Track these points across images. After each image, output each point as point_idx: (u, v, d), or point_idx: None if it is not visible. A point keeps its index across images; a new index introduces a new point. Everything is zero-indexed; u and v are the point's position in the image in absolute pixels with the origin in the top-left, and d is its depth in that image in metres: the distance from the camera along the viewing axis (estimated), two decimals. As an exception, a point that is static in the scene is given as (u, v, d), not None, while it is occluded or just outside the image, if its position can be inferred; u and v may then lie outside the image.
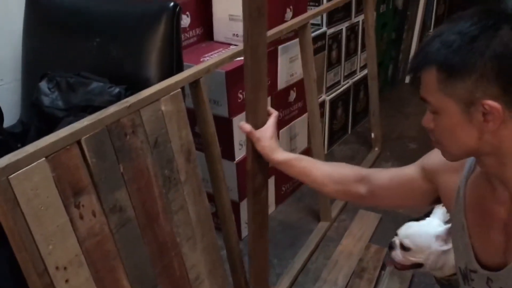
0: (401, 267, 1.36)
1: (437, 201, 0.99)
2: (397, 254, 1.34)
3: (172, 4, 1.33)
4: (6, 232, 0.82)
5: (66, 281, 0.89)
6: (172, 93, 1.11)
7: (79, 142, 0.91)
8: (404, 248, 1.31)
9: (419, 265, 1.31)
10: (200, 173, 1.25)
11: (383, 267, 1.76)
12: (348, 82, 2.63)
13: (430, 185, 0.96)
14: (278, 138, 1.99)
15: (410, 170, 1.01)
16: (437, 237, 1.25)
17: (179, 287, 1.18)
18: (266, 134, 1.16)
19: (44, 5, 1.49)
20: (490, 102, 0.71)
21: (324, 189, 1.16)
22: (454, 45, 0.72)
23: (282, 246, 1.92)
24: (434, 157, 0.95)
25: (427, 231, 1.28)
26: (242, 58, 1.72)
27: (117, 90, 1.18)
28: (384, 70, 3.20)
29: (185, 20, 1.84)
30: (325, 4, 2.08)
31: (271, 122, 1.19)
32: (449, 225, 1.22)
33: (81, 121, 0.93)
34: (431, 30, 3.55)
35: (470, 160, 0.88)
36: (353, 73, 2.68)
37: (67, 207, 0.89)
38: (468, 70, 0.71)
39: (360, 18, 2.54)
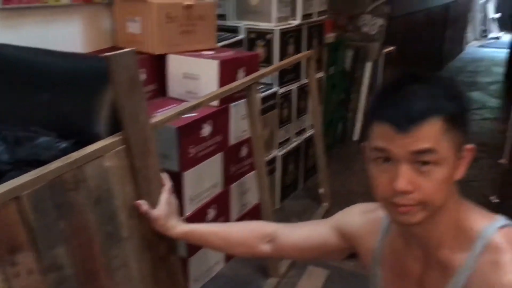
0: None
1: (352, 255, 1.03)
2: None
3: (124, 61, 1.36)
4: None
5: None
6: (117, 149, 1.13)
7: (18, 198, 0.90)
8: None
9: None
10: (147, 228, 1.25)
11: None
12: (298, 139, 2.71)
13: (347, 244, 1.01)
14: (229, 195, 2.03)
15: (325, 230, 1.04)
16: None
17: None
18: (162, 213, 1.18)
19: (-5, 59, 1.50)
20: (469, 146, 0.80)
21: (231, 253, 1.19)
22: (457, 96, 0.79)
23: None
24: (351, 220, 1.00)
25: None
26: (194, 114, 1.79)
27: (64, 145, 1.18)
28: (334, 128, 3.33)
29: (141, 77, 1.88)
30: (270, 67, 2.17)
31: (164, 199, 1.20)
32: None
33: (21, 176, 0.93)
34: (379, 91, 3.75)
35: (385, 221, 0.94)
36: (303, 130, 2.77)
37: (2, 265, 0.87)
38: (463, 118, 0.79)
39: (310, 79, 2.67)
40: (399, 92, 0.79)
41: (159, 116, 1.36)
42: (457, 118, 0.78)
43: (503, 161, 2.71)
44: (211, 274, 2.03)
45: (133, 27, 1.91)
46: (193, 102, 1.45)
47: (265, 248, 1.12)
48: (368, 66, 3.58)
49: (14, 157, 1.23)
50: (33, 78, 1.40)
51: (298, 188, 2.82)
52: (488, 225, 0.82)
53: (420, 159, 0.75)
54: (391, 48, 3.79)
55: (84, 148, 1.06)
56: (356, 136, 3.63)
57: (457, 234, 0.83)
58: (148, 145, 1.21)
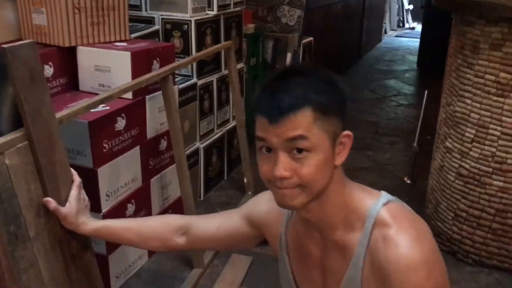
0: None
1: (265, 242, 1.07)
2: None
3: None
4: None
5: None
6: (18, 146, 1.08)
7: None
8: None
9: None
10: (57, 226, 1.21)
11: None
12: (221, 131, 2.73)
13: (256, 231, 1.05)
14: (149, 189, 2.00)
15: (235, 219, 1.08)
16: None
17: None
18: (71, 210, 1.15)
19: None
20: (347, 132, 0.85)
21: (146, 248, 1.19)
22: (328, 87, 0.84)
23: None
24: (259, 208, 1.04)
25: None
26: (107, 107, 1.74)
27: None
28: (257, 118, 3.38)
29: (48, 70, 1.80)
30: (186, 58, 2.16)
31: (73, 196, 1.17)
32: None
33: None
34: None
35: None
36: (226, 121, 2.79)
37: None
38: (337, 108, 0.84)
39: (230, 69, 2.68)
40: (276, 86, 0.84)
41: (66, 110, 1.31)
42: (329, 108, 0.83)
43: (414, 145, 2.89)
44: (134, 270, 2.00)
45: (39, 19, 1.82)
46: (102, 95, 1.42)
47: (179, 240, 1.13)
48: (289, 57, 3.65)
49: None
50: None
51: (223, 179, 2.84)
52: (373, 203, 0.87)
53: (295, 147, 0.81)
54: (310, 38, 3.89)
55: (-19, 146, 1.01)
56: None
57: (347, 216, 0.88)
58: (53, 141, 1.17)
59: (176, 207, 2.21)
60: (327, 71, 0.88)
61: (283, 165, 0.81)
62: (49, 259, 1.18)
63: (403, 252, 0.82)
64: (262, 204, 1.04)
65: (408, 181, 2.87)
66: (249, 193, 2.61)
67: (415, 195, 2.62)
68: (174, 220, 1.17)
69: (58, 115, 1.25)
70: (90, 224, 1.17)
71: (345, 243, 0.89)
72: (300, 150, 0.81)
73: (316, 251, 0.94)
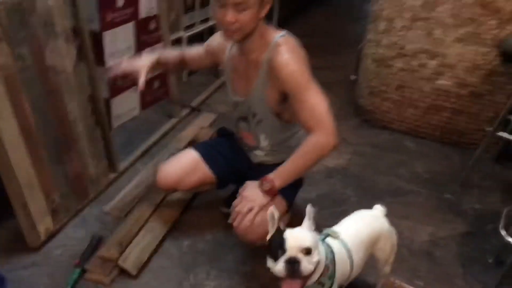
0: (305, 281, 1.24)
1: (215, 64, 1.80)
2: (305, 265, 1.18)
3: None
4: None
5: (-10, 90, 1.52)
6: (55, -7, 1.76)
7: (-3, 10, 1.53)
8: (307, 252, 1.19)
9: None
10: (76, 56, 1.91)
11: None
12: (203, 26, 3.37)
13: (214, 58, 1.79)
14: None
15: (202, 51, 1.83)
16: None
17: (62, 121, 1.85)
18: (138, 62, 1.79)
19: None
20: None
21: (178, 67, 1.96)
22: None
23: (140, 132, 2.63)
24: (213, 43, 1.78)
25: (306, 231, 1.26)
26: (111, -10, 2.39)
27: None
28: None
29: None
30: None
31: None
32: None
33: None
34: (277, -5, 4.42)
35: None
36: (208, 19, 3.43)
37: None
38: None
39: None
40: None
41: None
42: None
43: (358, 47, 3.53)
44: (129, 116, 2.74)
45: None
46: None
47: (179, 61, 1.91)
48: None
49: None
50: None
51: (204, 67, 3.52)
52: (276, 35, 1.57)
53: (239, 7, 1.44)
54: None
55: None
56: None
57: (261, 44, 1.58)
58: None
59: (162, 78, 2.91)
60: None
61: (231, 15, 1.44)
62: (75, 70, 1.89)
63: (284, 56, 1.52)
64: (216, 37, 1.76)
65: (353, 77, 3.54)
66: (221, 78, 3.31)
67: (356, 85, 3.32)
68: (181, 53, 1.92)
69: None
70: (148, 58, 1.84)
71: (258, 60, 1.59)
72: (240, 9, 1.44)
73: (243, 67, 1.66)
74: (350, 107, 3.08)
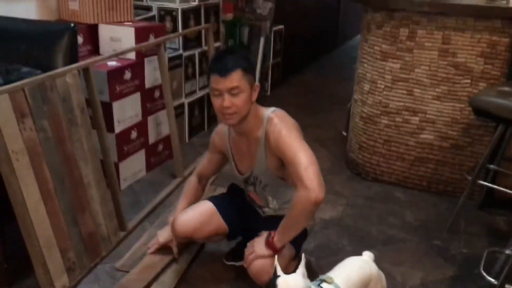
0: None
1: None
2: None
3: (72, 25, 2.22)
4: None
5: (17, 159, 1.72)
6: (72, 72, 1.99)
7: (23, 89, 1.76)
8: None
9: None
10: (90, 125, 2.12)
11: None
12: (203, 92, 3.64)
13: (221, 153, 2.01)
14: (147, 123, 2.91)
15: (212, 154, 2.06)
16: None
17: (78, 185, 2.03)
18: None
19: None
20: (257, 83, 1.74)
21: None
22: (247, 60, 1.73)
23: (147, 192, 2.80)
24: (215, 143, 2.01)
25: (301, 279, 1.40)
26: (119, 64, 2.65)
27: (39, 71, 2.03)
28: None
29: (79, 39, 2.72)
30: (174, 34, 3.08)
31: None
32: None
33: (25, 80, 1.78)
34: (270, 60, 4.74)
35: (226, 129, 1.92)
36: (207, 86, 3.69)
37: (17, 121, 1.72)
38: (253, 72, 1.73)
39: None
40: (221, 58, 1.72)
41: (92, 59, 2.23)
42: (248, 70, 1.72)
43: (348, 105, 3.78)
44: (136, 178, 2.93)
45: (73, 5, 2.74)
46: (116, 53, 2.33)
47: (203, 183, 2.17)
48: (262, 40, 4.54)
49: (6, 81, 2.06)
50: (14, 35, 2.23)
51: (204, 130, 3.75)
52: (267, 112, 1.80)
53: (233, 91, 1.67)
54: (281, 26, 4.79)
55: (55, 70, 1.92)
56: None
57: (256, 122, 1.80)
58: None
59: (166, 141, 3.13)
60: (245, 51, 1.80)
61: (227, 101, 1.67)
62: (87, 139, 2.09)
63: (277, 126, 1.74)
64: (214, 138, 2.02)
65: (345, 133, 3.76)
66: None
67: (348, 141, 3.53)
68: (195, 183, 2.15)
69: (90, 60, 2.17)
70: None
71: (256, 136, 1.81)
72: (235, 93, 1.67)
73: (244, 146, 1.87)
74: (342, 161, 3.27)
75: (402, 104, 2.78)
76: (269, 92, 4.82)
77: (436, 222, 2.54)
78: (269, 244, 1.74)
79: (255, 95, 1.76)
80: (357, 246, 2.29)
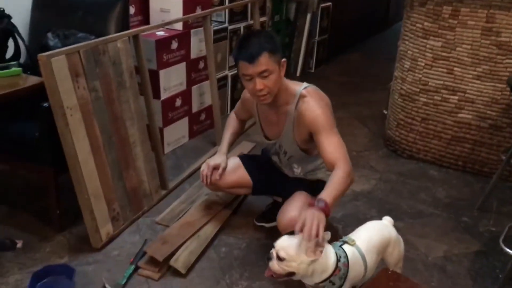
0: (277, 276, 1.52)
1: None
2: (274, 264, 1.49)
3: (124, -4, 2.39)
4: (47, 88, 1.82)
5: (71, 115, 1.90)
6: (123, 39, 2.15)
7: (79, 52, 1.93)
8: (279, 258, 1.47)
9: (292, 274, 1.50)
10: (137, 89, 2.28)
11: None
12: (246, 65, 3.74)
13: (249, 112, 2.12)
14: (190, 92, 3.06)
15: (241, 105, 2.17)
16: (307, 248, 1.47)
17: (124, 143, 2.20)
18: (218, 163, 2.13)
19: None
20: (284, 59, 1.81)
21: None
22: (271, 40, 1.78)
23: (188, 157, 2.97)
24: (244, 96, 2.10)
25: (298, 243, 1.48)
26: (167, 34, 2.80)
27: (93, 36, 2.20)
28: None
29: (131, 10, 2.88)
30: (221, 6, 3.19)
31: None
32: (316, 239, 1.46)
33: (79, 43, 1.95)
34: (316, 37, 4.77)
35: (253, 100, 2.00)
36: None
37: (72, 82, 1.90)
38: (279, 49, 1.79)
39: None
40: (247, 43, 1.77)
41: (142, 27, 2.38)
42: (274, 50, 1.77)
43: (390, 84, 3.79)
44: (179, 143, 3.10)
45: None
46: (164, 22, 2.48)
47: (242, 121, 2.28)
48: (308, 17, 4.58)
49: (64, 44, 2.25)
50: (72, 4, 2.41)
51: (246, 102, 3.87)
52: (299, 88, 1.87)
53: (263, 74, 1.73)
54: (329, 3, 4.79)
55: (108, 36, 2.09)
56: (298, 72, 4.68)
57: (287, 97, 1.88)
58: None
59: (208, 111, 3.27)
60: (268, 31, 1.87)
61: (259, 84, 1.73)
62: (134, 101, 2.26)
63: (310, 104, 1.82)
64: (245, 96, 2.11)
65: (385, 111, 3.78)
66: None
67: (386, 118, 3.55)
68: (235, 118, 2.26)
69: (140, 28, 2.32)
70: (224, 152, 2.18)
71: (286, 110, 1.90)
72: (265, 76, 1.73)
73: (274, 117, 1.97)
74: (380, 138, 3.31)
75: (441, 82, 2.78)
76: (313, 69, 4.87)
77: (468, 200, 2.56)
78: (322, 207, 1.60)
79: (283, 71, 1.82)
80: (385, 217, 2.36)
